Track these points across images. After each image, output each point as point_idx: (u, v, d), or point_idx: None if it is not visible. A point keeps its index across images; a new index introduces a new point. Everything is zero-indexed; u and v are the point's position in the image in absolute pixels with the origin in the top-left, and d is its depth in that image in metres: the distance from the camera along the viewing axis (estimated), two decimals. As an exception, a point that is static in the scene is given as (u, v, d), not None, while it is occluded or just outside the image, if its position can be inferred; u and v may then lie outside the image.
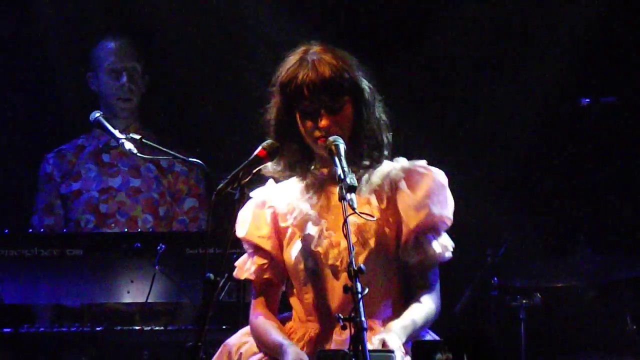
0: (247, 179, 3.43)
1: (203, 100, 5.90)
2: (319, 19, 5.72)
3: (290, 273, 3.64)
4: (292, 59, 3.58)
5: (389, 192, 3.61)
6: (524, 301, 4.99)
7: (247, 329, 3.69)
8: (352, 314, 3.07)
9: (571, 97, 5.16)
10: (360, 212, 3.28)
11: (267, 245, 3.64)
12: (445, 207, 3.59)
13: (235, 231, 3.59)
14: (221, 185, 3.38)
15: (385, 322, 3.50)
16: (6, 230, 4.71)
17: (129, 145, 4.42)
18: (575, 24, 5.68)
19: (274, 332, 3.56)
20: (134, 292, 4.64)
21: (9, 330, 4.61)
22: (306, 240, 3.59)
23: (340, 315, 3.10)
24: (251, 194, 3.61)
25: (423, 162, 3.66)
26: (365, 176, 3.62)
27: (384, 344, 3.30)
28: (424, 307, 3.53)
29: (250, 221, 3.66)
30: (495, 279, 5.01)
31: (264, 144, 3.50)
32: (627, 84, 5.54)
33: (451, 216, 3.60)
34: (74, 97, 5.78)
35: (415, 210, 3.56)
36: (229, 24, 5.84)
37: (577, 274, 5.04)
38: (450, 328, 4.85)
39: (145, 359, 4.59)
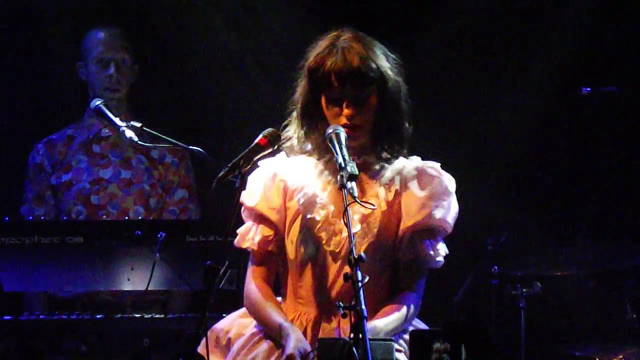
0: (248, 167, 3.44)
1: (196, 89, 5.88)
2: (317, 8, 5.70)
3: (288, 254, 3.64)
4: (322, 45, 3.61)
5: (398, 187, 3.62)
6: (524, 290, 5.00)
7: (235, 314, 3.69)
8: (353, 302, 3.08)
9: (572, 87, 5.15)
10: (361, 201, 3.28)
11: (275, 217, 3.64)
12: (448, 213, 3.59)
13: (236, 218, 3.58)
14: (222, 173, 3.39)
15: (371, 314, 3.49)
16: (6, 218, 4.71)
17: (129, 133, 4.42)
18: (577, 14, 5.67)
19: (273, 310, 3.56)
20: (134, 280, 4.64)
21: (9, 317, 4.61)
22: (310, 223, 3.59)
23: (340, 303, 3.11)
24: (260, 164, 3.61)
25: (436, 165, 3.67)
26: (378, 168, 3.62)
27: None
28: (403, 310, 3.53)
29: (261, 192, 3.65)
30: (496, 267, 5.02)
31: (265, 132, 3.50)
32: (628, 73, 5.54)
33: (452, 223, 3.61)
34: (62, 86, 5.77)
35: (417, 210, 3.57)
36: (226, 13, 5.83)
37: (577, 263, 5.04)
38: (450, 317, 4.87)
39: (146, 346, 4.59)
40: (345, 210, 3.23)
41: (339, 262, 3.57)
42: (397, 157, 3.64)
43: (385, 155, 3.63)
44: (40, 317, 4.64)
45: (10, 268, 4.65)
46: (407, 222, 3.57)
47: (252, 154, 3.45)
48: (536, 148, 5.67)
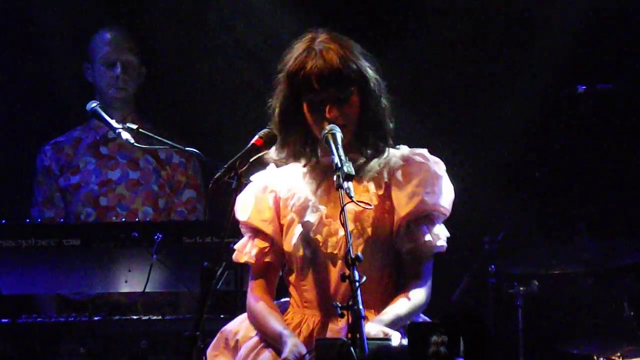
0: (244, 168, 3.43)
1: (201, 90, 5.89)
2: (316, 5, 5.71)
3: (288, 260, 3.65)
4: (299, 48, 3.58)
5: (387, 180, 3.61)
6: (522, 288, 5.00)
7: (244, 316, 3.70)
8: (350, 302, 3.08)
9: (568, 84, 5.15)
10: (358, 201, 3.28)
11: (269, 229, 3.65)
12: (440, 197, 3.58)
13: (232, 219, 3.59)
14: (218, 174, 3.39)
15: (379, 310, 3.50)
16: (3, 221, 4.71)
17: (126, 135, 4.42)
18: (573, 11, 5.68)
19: (273, 319, 3.57)
20: (132, 282, 4.64)
21: (7, 320, 4.61)
22: (305, 227, 3.59)
23: (338, 303, 3.11)
24: (252, 178, 3.61)
25: (423, 151, 3.66)
26: (365, 164, 3.63)
27: None
28: (411, 300, 3.52)
29: (252, 205, 3.66)
30: (493, 266, 5.02)
31: (261, 132, 3.50)
32: (624, 71, 5.54)
33: (447, 206, 3.60)
34: (70, 87, 5.77)
35: (408, 198, 3.56)
36: (227, 15, 5.84)
37: (574, 261, 5.04)
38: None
39: (144, 348, 4.59)
40: (342, 210, 3.23)
41: (338, 264, 3.57)
42: (384, 152, 3.64)
43: (370, 152, 3.62)
44: (39, 319, 4.65)
45: (7, 271, 4.66)
46: (400, 213, 3.56)
47: (249, 154, 3.45)
48: (533, 146, 5.67)
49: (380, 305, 3.53)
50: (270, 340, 3.55)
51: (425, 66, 5.74)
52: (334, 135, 3.41)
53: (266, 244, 3.65)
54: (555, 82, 5.60)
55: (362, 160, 3.61)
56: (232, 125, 5.65)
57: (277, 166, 3.70)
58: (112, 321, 4.62)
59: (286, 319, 3.63)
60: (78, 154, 5.48)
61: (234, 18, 5.84)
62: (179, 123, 5.81)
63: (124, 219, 5.24)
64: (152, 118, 5.61)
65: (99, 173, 5.43)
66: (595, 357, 4.92)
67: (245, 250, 3.67)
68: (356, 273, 3.12)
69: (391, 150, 3.66)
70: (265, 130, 3.51)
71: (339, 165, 3.30)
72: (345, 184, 3.26)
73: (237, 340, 3.63)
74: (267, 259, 3.66)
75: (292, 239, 3.61)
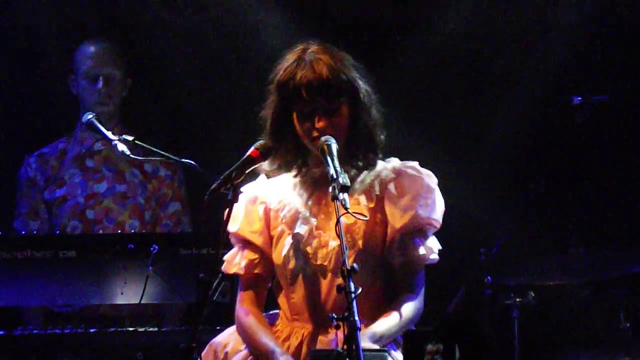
0: (240, 180, 3.44)
1: (191, 101, 5.89)
2: (312, 15, 5.72)
3: (278, 271, 3.64)
4: (290, 58, 3.58)
5: (378, 193, 3.61)
6: (518, 300, 5.00)
7: (233, 328, 3.69)
8: (346, 314, 3.08)
9: (563, 96, 5.16)
10: (353, 212, 3.28)
11: (259, 240, 3.65)
12: (433, 211, 3.59)
13: (227, 231, 3.59)
14: (214, 185, 3.39)
15: (368, 324, 3.49)
16: (-1, 233, 4.71)
17: (121, 147, 4.41)
18: (568, 22, 5.69)
19: (263, 334, 3.56)
20: (128, 294, 4.63)
21: (2, 332, 4.60)
22: (295, 239, 3.59)
23: (334, 315, 3.10)
24: (242, 189, 3.61)
25: (415, 164, 3.66)
26: (358, 177, 3.62)
27: None
28: (403, 313, 3.52)
29: (242, 216, 3.66)
30: (489, 277, 5.01)
31: (257, 144, 3.50)
32: (619, 82, 5.55)
33: (439, 219, 3.60)
34: (53, 98, 5.76)
35: (402, 212, 3.56)
36: (220, 22, 5.84)
37: (570, 272, 5.04)
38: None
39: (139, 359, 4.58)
40: (338, 221, 3.23)
41: (328, 275, 3.56)
42: (374, 164, 3.63)
43: (359, 164, 3.62)
44: (34, 331, 4.63)
45: (2, 282, 4.64)
46: (394, 226, 3.55)
47: (244, 166, 3.45)
48: (529, 157, 5.68)
49: (369, 317, 3.52)
50: (260, 355, 3.54)
51: (419, 76, 5.75)
52: (329, 147, 3.41)
53: (256, 256, 3.65)
54: (551, 94, 5.61)
55: (353, 172, 3.61)
56: (226, 136, 5.64)
57: (268, 177, 3.70)
58: (108, 333, 4.61)
59: (275, 330, 3.62)
60: (63, 166, 5.46)
61: (230, 30, 5.84)
62: (164, 136, 5.80)
63: (119, 231, 5.24)
64: (138, 130, 5.58)
65: (85, 186, 5.41)
66: (591, 368, 4.92)
67: (235, 261, 3.67)
68: (351, 284, 3.12)
69: (381, 162, 3.66)
70: (261, 142, 3.51)
71: (335, 176, 3.30)
72: (341, 196, 3.26)
73: (226, 353, 3.62)
74: (256, 271, 3.65)
75: (282, 250, 3.60)
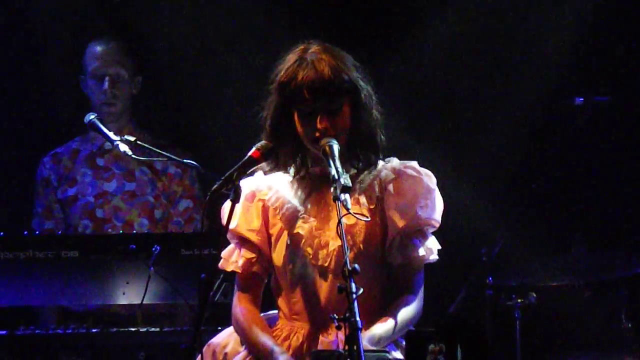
0: (241, 180, 3.44)
1: (199, 101, 5.89)
2: (311, 16, 5.72)
3: (278, 272, 3.63)
4: (291, 58, 3.57)
5: (378, 193, 3.61)
6: (519, 300, 5.00)
7: (231, 328, 3.67)
8: (347, 314, 3.08)
9: (565, 97, 5.16)
10: (354, 213, 3.28)
11: (256, 239, 3.63)
12: (433, 211, 3.58)
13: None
14: (215, 186, 3.39)
15: (367, 326, 3.48)
16: (1, 233, 4.71)
17: (123, 147, 4.42)
18: (570, 23, 5.69)
19: (262, 334, 3.55)
20: (130, 294, 4.64)
21: (4, 332, 4.61)
22: (295, 239, 3.59)
23: (335, 315, 3.10)
24: (240, 183, 3.60)
25: (414, 164, 3.65)
26: (358, 177, 3.63)
27: None
28: (402, 313, 3.51)
29: (240, 214, 3.64)
30: (490, 278, 5.02)
31: (258, 144, 3.50)
32: (621, 83, 5.55)
33: (439, 218, 3.60)
34: (67, 98, 5.78)
35: (401, 213, 3.55)
36: (225, 24, 5.85)
37: (571, 273, 5.05)
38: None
39: (141, 360, 4.59)
40: (339, 222, 3.23)
41: (329, 276, 3.55)
42: (375, 165, 3.64)
43: (361, 164, 3.62)
44: (36, 331, 4.64)
45: (6, 282, 4.65)
46: (394, 227, 3.55)
47: (246, 166, 3.45)
48: (530, 158, 5.68)
49: (368, 318, 3.50)
50: (258, 354, 3.53)
51: (421, 77, 5.75)
52: (330, 148, 3.41)
53: (253, 255, 3.63)
54: (553, 94, 5.61)
55: (353, 172, 3.61)
56: (230, 136, 5.65)
57: (265, 173, 3.70)
58: (110, 333, 4.62)
59: (275, 330, 3.62)
60: (76, 165, 5.48)
61: (232, 33, 5.85)
62: (178, 133, 5.82)
63: (121, 231, 5.25)
64: (151, 128, 5.61)
65: (95, 185, 5.43)
66: (592, 369, 4.93)
67: (232, 258, 3.65)
68: (353, 285, 3.12)
69: (381, 162, 3.66)
70: (262, 143, 3.51)
71: (336, 177, 3.29)
72: (342, 196, 3.26)
73: (225, 354, 3.61)
74: (254, 269, 3.63)
75: (282, 251, 3.60)
